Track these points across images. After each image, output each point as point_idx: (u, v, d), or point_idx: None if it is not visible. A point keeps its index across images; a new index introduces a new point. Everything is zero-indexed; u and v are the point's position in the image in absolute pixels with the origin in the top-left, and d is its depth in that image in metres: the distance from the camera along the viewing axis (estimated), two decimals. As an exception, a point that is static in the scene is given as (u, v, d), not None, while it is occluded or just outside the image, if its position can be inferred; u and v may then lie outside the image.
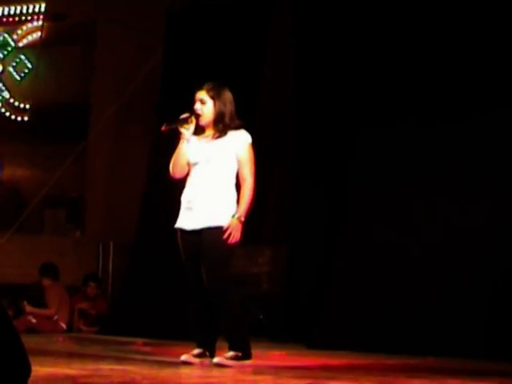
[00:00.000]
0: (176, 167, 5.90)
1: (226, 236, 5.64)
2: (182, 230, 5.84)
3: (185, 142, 5.83)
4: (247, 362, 5.62)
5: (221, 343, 5.85)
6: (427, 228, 7.76)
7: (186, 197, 5.85)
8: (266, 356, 6.39)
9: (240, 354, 5.59)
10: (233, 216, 5.69)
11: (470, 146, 7.73)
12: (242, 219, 5.70)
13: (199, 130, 5.89)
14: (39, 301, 10.01)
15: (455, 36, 7.94)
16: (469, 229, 7.53)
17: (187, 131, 5.83)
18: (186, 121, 5.84)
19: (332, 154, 8.87)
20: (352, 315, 7.83)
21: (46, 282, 10.03)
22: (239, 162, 5.79)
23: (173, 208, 9.12)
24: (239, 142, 5.80)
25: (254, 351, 5.73)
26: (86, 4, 11.59)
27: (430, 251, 7.66)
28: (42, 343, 7.65)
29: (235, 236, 5.66)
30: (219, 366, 5.53)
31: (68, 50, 12.30)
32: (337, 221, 8.47)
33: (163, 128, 5.82)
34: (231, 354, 5.59)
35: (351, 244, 8.19)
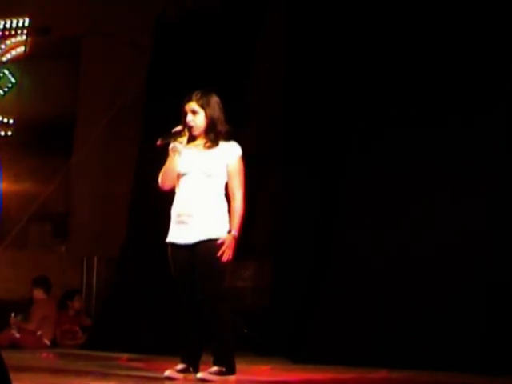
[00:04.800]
0: (166, 179, 5.84)
1: (220, 253, 5.61)
2: (174, 245, 5.79)
3: (177, 154, 5.80)
4: (231, 377, 5.59)
5: (204, 358, 5.82)
6: (418, 240, 7.72)
7: (176, 210, 5.80)
8: (250, 371, 6.37)
9: (224, 369, 5.56)
10: (228, 232, 5.67)
11: (468, 144, 7.65)
12: (236, 235, 5.69)
13: (189, 139, 5.84)
14: (26, 315, 9.99)
15: (447, 34, 7.94)
16: (463, 238, 7.46)
17: (181, 144, 5.80)
18: (179, 134, 5.81)
19: (321, 168, 8.87)
20: (338, 329, 7.80)
21: (38, 294, 10.01)
22: (229, 174, 5.76)
23: (158, 223, 9.13)
24: (230, 153, 5.78)
25: (239, 365, 5.71)
26: (71, 18, 11.59)
27: (418, 265, 7.61)
28: (25, 359, 7.61)
29: (229, 253, 5.65)
30: (203, 381, 5.50)
31: (53, 64, 12.29)
32: (323, 236, 8.46)
33: (158, 143, 5.77)
34: (215, 369, 5.56)
35: (338, 258, 8.17)
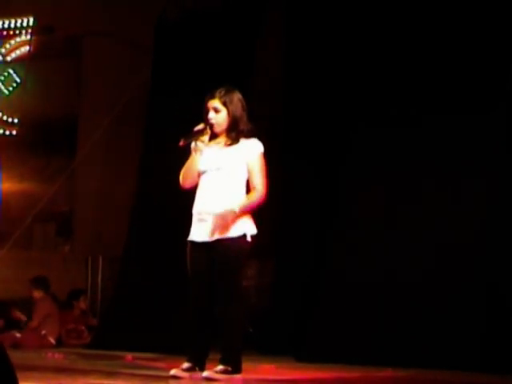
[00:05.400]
0: (187, 178, 5.80)
1: (214, 225, 5.54)
2: (193, 243, 5.74)
3: (198, 153, 5.75)
4: (237, 376, 5.58)
5: (210, 356, 5.82)
6: (418, 239, 7.72)
7: (196, 208, 5.75)
8: (255, 369, 6.36)
9: (230, 369, 5.55)
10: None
11: (468, 144, 7.63)
12: (236, 211, 5.58)
13: (211, 137, 5.78)
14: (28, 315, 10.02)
15: (447, 34, 7.93)
16: (463, 238, 7.45)
17: (203, 143, 5.75)
18: (201, 132, 5.75)
19: (320, 168, 8.88)
20: (341, 327, 7.80)
21: (37, 294, 10.01)
22: (250, 172, 5.68)
23: (162, 222, 9.16)
24: (251, 151, 5.71)
25: (244, 364, 5.70)
26: (74, 18, 11.60)
27: (419, 264, 7.62)
28: (31, 358, 7.60)
29: (221, 224, 5.56)
30: (209, 380, 5.49)
31: (56, 63, 12.30)
32: (325, 235, 8.46)
33: (181, 143, 5.70)
34: (221, 367, 5.55)
35: (339, 257, 8.18)
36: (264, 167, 5.75)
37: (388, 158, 8.06)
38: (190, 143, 5.75)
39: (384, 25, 8.34)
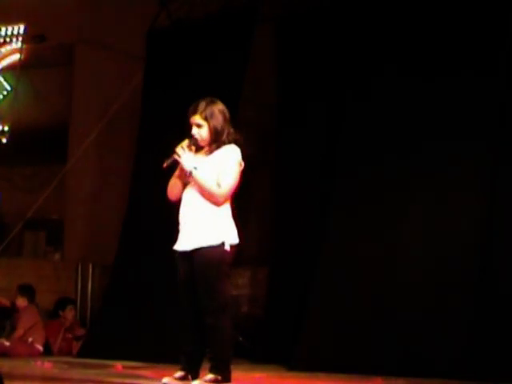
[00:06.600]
0: (173, 190, 5.83)
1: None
2: (177, 252, 5.78)
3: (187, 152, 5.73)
4: (226, 386, 5.58)
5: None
6: (411, 248, 7.75)
7: (179, 218, 5.79)
8: (246, 378, 6.36)
9: (220, 378, 5.54)
10: (223, 243, 5.61)
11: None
12: (187, 171, 5.62)
13: (197, 149, 5.81)
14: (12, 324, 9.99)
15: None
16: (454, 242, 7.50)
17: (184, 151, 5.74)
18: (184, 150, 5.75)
19: (314, 177, 8.90)
20: (333, 337, 7.81)
21: (21, 301, 9.97)
22: (220, 175, 5.68)
23: (152, 231, 9.14)
24: (223, 157, 5.70)
25: (235, 373, 5.69)
26: (65, 26, 11.59)
27: (412, 273, 7.64)
28: (20, 367, 7.56)
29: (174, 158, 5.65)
30: (198, 389, 5.49)
31: (47, 71, 12.28)
32: (318, 243, 8.46)
33: (164, 166, 5.73)
34: (211, 377, 5.54)
35: (332, 265, 8.18)
36: (235, 174, 5.71)
37: (385, 167, 8.09)
38: (174, 163, 5.75)
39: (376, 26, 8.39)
